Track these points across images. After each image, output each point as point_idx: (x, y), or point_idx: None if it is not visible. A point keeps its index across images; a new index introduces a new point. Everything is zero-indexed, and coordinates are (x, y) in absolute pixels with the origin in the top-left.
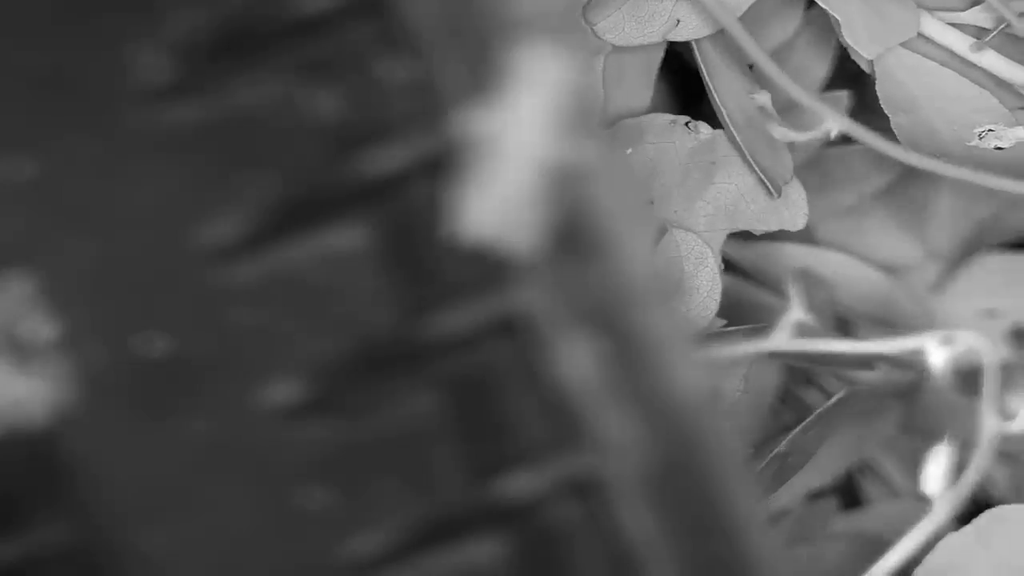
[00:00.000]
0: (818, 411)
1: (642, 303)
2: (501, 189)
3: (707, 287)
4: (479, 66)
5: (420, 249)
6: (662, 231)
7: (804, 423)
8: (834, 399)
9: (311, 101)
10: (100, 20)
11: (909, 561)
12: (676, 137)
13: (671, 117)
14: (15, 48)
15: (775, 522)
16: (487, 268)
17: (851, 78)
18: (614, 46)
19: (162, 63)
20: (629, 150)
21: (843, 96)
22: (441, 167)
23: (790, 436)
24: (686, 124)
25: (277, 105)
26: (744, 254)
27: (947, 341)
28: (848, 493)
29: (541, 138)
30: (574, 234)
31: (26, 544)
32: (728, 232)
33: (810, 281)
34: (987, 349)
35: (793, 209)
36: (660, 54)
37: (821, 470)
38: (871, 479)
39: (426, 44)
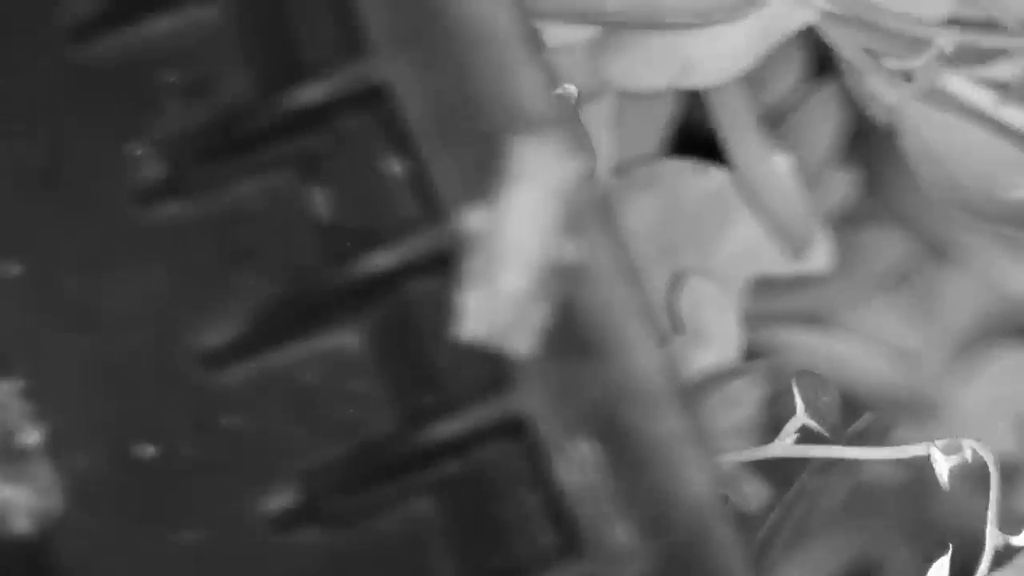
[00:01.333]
0: (802, 492)
1: (645, 405)
2: (500, 289)
3: (728, 333)
4: (478, 163)
5: (417, 350)
6: (679, 279)
7: (794, 503)
8: (832, 493)
9: (307, 198)
10: (93, 117)
11: None
12: (688, 182)
13: (682, 162)
14: (5, 145)
15: None
16: (486, 369)
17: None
18: (624, 92)
19: (155, 160)
20: (641, 197)
21: (850, 175)
22: (439, 266)
23: (781, 518)
24: (697, 168)
25: (273, 202)
26: (756, 341)
27: (952, 449)
28: None
29: (541, 237)
30: (575, 335)
31: None
32: (747, 278)
33: (815, 383)
34: (992, 456)
35: (817, 252)
36: (670, 103)
37: (822, 563)
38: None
39: (424, 140)
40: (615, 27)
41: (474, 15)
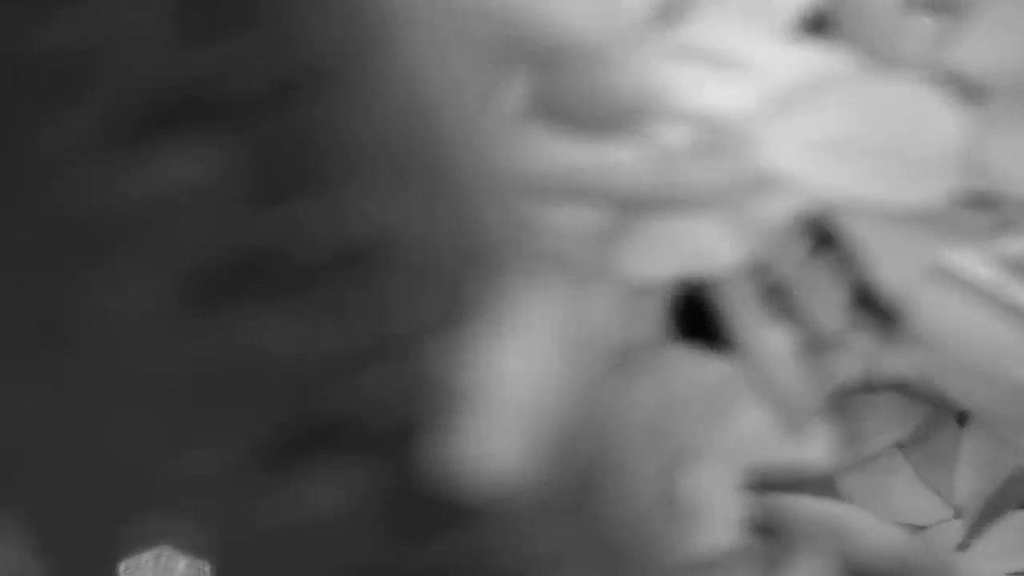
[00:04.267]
0: None
1: (648, 544)
2: (498, 430)
3: (727, 516)
4: (476, 301)
5: (413, 493)
6: (681, 462)
7: None
8: None
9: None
10: (91, 256)
11: None
12: (691, 371)
13: (686, 350)
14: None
15: None
16: (483, 510)
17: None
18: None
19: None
20: (644, 383)
21: (862, 338)
22: (433, 399)
23: None
24: (700, 357)
25: (250, 353)
26: (761, 507)
27: None
28: None
29: (536, 372)
30: (578, 476)
31: None
32: (746, 467)
33: (823, 531)
34: None
35: (817, 444)
36: (673, 285)
37: None
38: None
39: (423, 278)
40: (625, 210)
41: (471, 161)
